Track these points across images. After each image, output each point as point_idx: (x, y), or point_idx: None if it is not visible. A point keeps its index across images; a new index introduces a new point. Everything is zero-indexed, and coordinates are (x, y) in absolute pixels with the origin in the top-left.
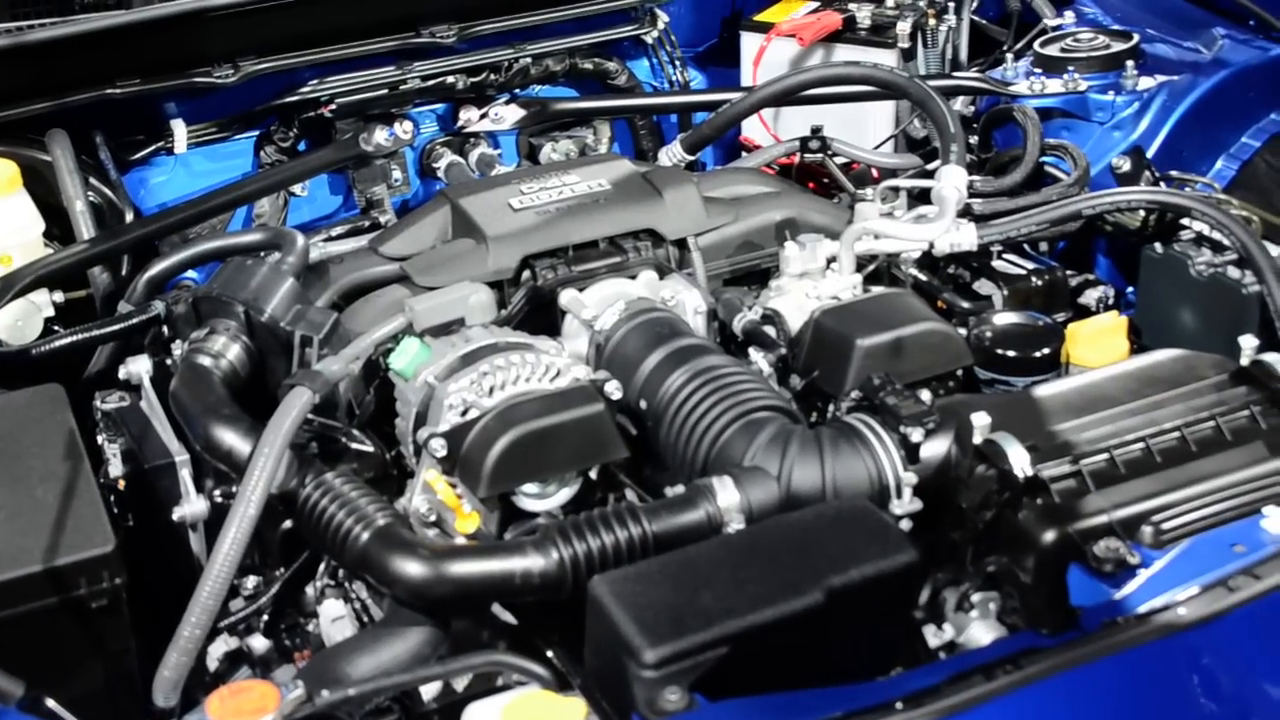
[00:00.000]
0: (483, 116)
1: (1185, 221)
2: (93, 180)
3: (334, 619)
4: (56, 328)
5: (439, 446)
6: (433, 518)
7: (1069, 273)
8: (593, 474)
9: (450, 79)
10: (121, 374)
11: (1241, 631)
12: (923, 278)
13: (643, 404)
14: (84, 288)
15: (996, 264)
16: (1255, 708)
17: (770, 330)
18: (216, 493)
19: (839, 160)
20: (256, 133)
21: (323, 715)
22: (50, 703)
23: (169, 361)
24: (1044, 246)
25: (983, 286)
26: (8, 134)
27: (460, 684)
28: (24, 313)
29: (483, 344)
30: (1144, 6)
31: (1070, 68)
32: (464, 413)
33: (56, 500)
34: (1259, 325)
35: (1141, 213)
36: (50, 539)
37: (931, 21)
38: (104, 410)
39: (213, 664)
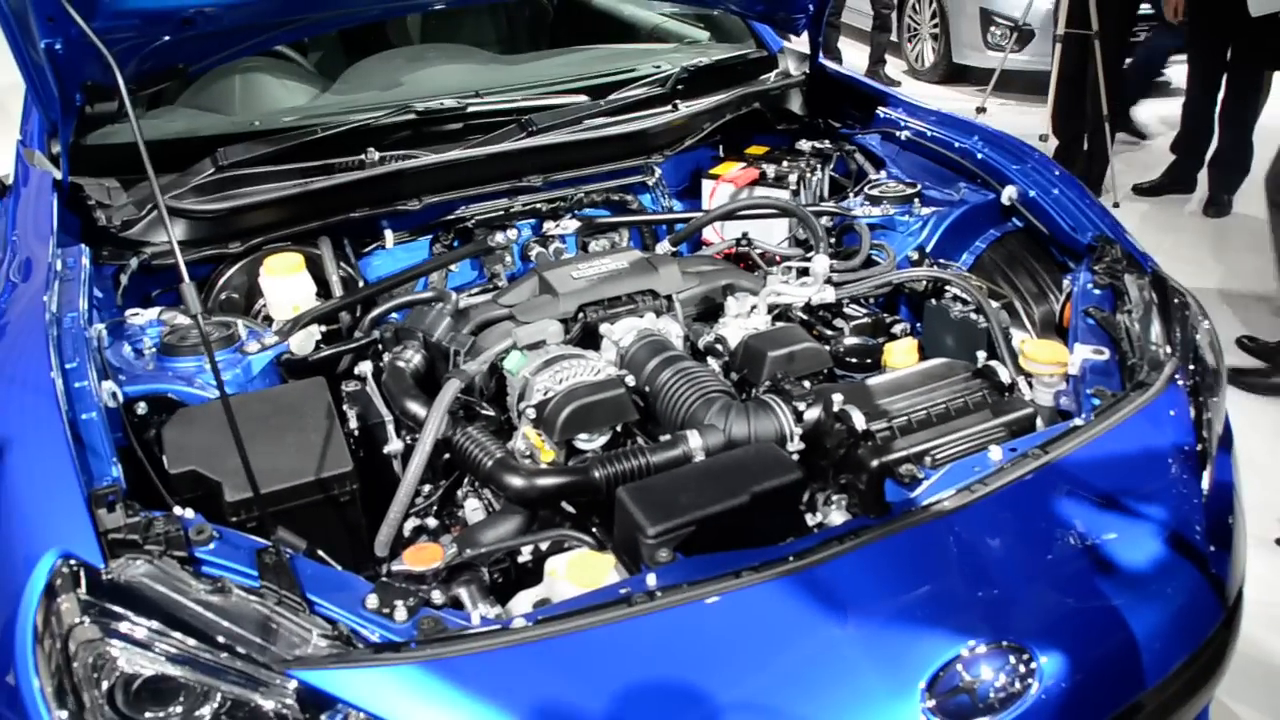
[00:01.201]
0: (556, 226)
1: (948, 288)
2: (342, 264)
3: (472, 509)
4: (322, 346)
5: (532, 413)
6: (528, 453)
7: (885, 315)
8: (618, 429)
9: (539, 205)
10: (356, 371)
11: (977, 514)
12: (805, 317)
13: (647, 389)
14: (336, 324)
15: (846, 310)
16: (985, 558)
17: (720, 347)
18: (408, 438)
19: (757, 251)
20: (430, 237)
21: (467, 563)
22: (320, 553)
23: (381, 364)
24: (871, 301)
25: (838, 323)
26: (298, 240)
27: (544, 546)
28: (306, 336)
29: (556, 354)
30: (923, 169)
31: (884, 201)
32: (545, 393)
33: (321, 441)
34: (987, 345)
35: (924, 283)
36: (318, 462)
37: (808, 174)
38: (347, 391)
39: (406, 533)
